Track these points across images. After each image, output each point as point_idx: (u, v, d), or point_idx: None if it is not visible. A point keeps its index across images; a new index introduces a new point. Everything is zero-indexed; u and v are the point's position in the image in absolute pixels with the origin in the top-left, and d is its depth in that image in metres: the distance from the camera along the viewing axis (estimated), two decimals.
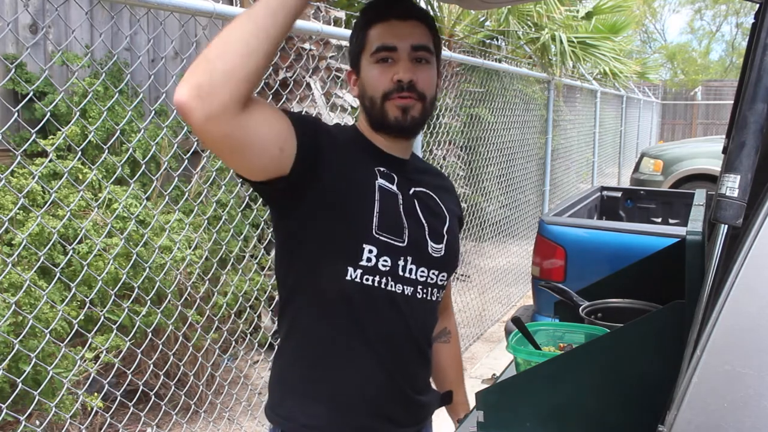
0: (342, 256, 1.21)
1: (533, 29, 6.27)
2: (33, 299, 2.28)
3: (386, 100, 1.24)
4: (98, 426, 2.74)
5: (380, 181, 1.26)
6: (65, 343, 2.24)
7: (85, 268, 2.25)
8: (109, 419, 2.43)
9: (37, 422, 2.40)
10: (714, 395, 0.86)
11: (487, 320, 5.02)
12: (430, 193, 1.36)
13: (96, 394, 2.49)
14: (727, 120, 1.98)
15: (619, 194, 4.59)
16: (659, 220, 4.50)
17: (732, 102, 1.89)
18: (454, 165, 5.63)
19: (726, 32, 33.68)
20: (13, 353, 2.10)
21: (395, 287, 1.25)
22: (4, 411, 1.82)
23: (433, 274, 1.31)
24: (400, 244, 1.24)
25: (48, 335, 2.08)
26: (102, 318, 2.29)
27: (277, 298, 1.16)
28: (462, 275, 5.48)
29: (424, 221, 1.30)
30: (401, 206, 1.27)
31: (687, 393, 0.87)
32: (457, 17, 6.08)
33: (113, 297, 2.33)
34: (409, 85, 1.23)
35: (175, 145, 2.56)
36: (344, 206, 1.21)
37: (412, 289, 1.27)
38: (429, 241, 1.30)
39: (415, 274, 1.27)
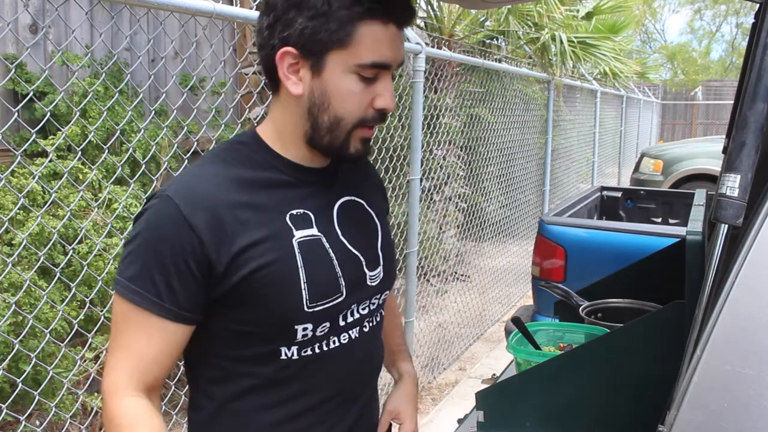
0: (272, 341, 1.01)
1: (533, 29, 6.27)
2: (33, 299, 2.28)
3: (356, 128, 1.00)
4: (98, 426, 2.74)
5: (297, 235, 1.00)
6: (65, 343, 2.24)
7: (85, 268, 2.25)
8: None
9: (37, 422, 2.40)
10: (714, 395, 0.86)
11: (487, 320, 5.02)
12: (357, 199, 1.14)
13: (96, 394, 2.49)
14: (727, 120, 1.98)
15: (619, 194, 4.59)
16: (659, 220, 4.50)
17: (732, 102, 1.89)
18: (454, 165, 5.63)
19: (726, 32, 33.73)
20: (13, 353, 2.10)
21: (340, 339, 1.07)
22: (4, 411, 1.82)
23: (375, 299, 1.13)
24: (338, 300, 1.04)
25: (48, 335, 2.08)
26: (102, 318, 2.29)
27: None
28: (462, 275, 5.48)
29: (357, 252, 1.08)
30: (329, 251, 1.04)
31: (687, 393, 0.87)
32: (457, 17, 6.08)
33: (112, 302, 2.33)
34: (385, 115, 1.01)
35: (175, 145, 2.56)
36: (265, 298, 0.98)
37: (357, 328, 1.09)
38: (366, 272, 1.10)
39: (358, 313, 1.09)
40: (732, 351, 0.86)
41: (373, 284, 1.12)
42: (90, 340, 2.26)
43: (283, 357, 1.02)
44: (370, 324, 1.14)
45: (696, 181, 7.69)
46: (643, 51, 28.56)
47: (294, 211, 1.02)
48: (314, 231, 1.03)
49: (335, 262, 1.04)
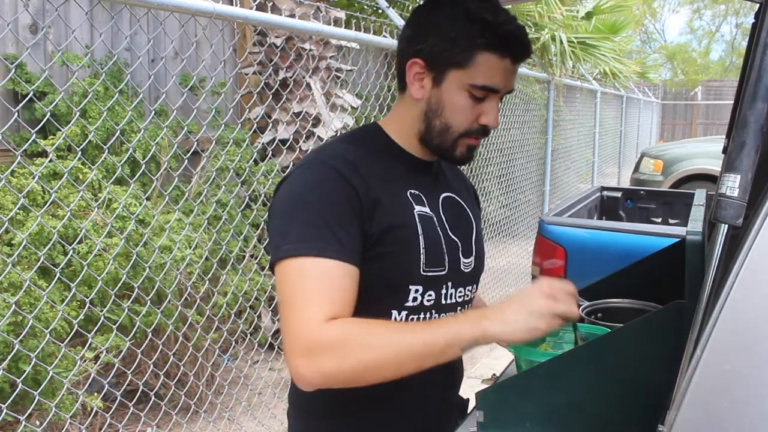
0: (386, 300, 1.13)
1: (533, 29, 6.27)
2: (33, 299, 2.28)
3: (462, 137, 1.15)
4: (98, 426, 2.74)
5: (417, 209, 1.16)
6: (65, 343, 2.24)
7: (85, 268, 2.25)
8: (109, 419, 2.43)
9: (37, 422, 2.40)
10: (714, 395, 0.86)
11: None
12: (455, 197, 1.28)
13: (96, 394, 2.49)
14: (727, 120, 1.98)
15: (619, 194, 4.59)
16: (659, 220, 4.50)
17: (732, 102, 1.89)
18: None
19: (726, 32, 33.69)
20: (13, 353, 2.10)
21: (440, 316, 1.19)
22: (4, 411, 1.82)
23: (468, 290, 1.26)
24: (442, 273, 1.17)
25: (48, 335, 2.08)
26: (102, 318, 2.29)
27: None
28: None
29: (456, 239, 1.22)
30: (438, 229, 1.19)
31: (687, 393, 0.86)
32: None
33: (113, 297, 2.33)
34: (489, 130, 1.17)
35: (175, 145, 2.56)
36: (392, 254, 1.11)
37: (452, 314, 1.20)
38: (462, 258, 1.23)
39: (455, 298, 1.21)
40: (732, 351, 0.86)
41: (466, 271, 1.24)
42: (90, 340, 2.26)
43: (393, 319, 1.13)
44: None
45: (696, 181, 7.69)
46: (643, 51, 28.57)
47: (412, 190, 1.18)
48: (428, 209, 1.18)
49: (442, 238, 1.18)
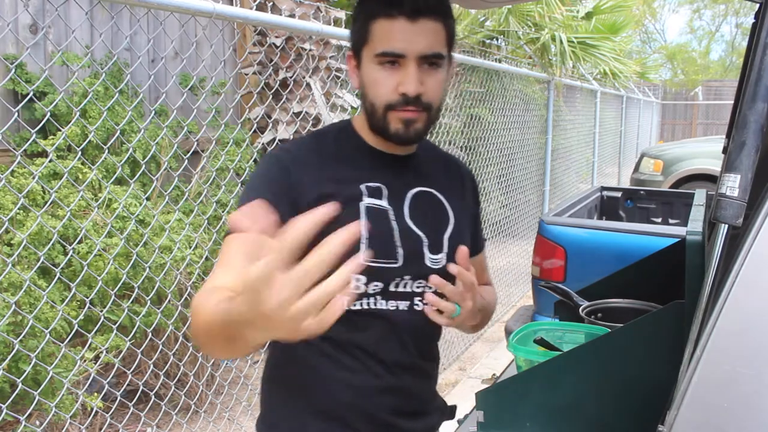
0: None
1: (533, 29, 6.27)
2: (33, 299, 2.28)
3: (389, 110, 1.15)
4: (98, 426, 2.74)
5: (367, 201, 1.17)
6: (65, 343, 2.24)
7: (85, 268, 2.25)
8: (109, 419, 2.43)
9: (37, 422, 2.40)
10: (714, 395, 0.86)
11: None
12: (434, 192, 1.27)
13: (96, 394, 2.49)
14: (727, 120, 1.98)
15: (619, 194, 4.59)
16: (659, 220, 4.50)
17: (732, 102, 1.89)
18: None
19: (726, 32, 33.71)
20: (13, 353, 2.10)
21: (387, 304, 1.18)
22: (4, 411, 1.82)
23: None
24: (393, 266, 1.17)
25: (48, 335, 2.08)
26: (102, 318, 2.29)
27: None
28: None
29: (420, 233, 1.21)
30: (393, 222, 1.18)
31: (687, 393, 0.87)
32: (457, 17, 6.06)
33: (113, 297, 2.33)
34: (416, 98, 1.13)
35: (175, 145, 2.56)
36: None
37: (407, 302, 1.20)
38: (427, 253, 1.21)
39: (411, 287, 1.20)
40: (732, 351, 0.86)
41: (434, 267, 1.21)
42: (90, 340, 2.26)
43: None
44: (425, 305, 1.16)
45: (696, 181, 7.68)
46: (643, 51, 28.57)
47: (370, 183, 1.19)
48: (383, 203, 1.19)
49: (396, 233, 1.18)
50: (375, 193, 1.19)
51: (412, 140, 1.18)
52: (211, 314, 0.88)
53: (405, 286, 1.19)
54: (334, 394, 1.19)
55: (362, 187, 1.18)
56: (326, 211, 0.69)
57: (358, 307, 1.16)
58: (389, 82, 1.13)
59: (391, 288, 1.18)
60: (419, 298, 1.21)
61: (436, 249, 1.22)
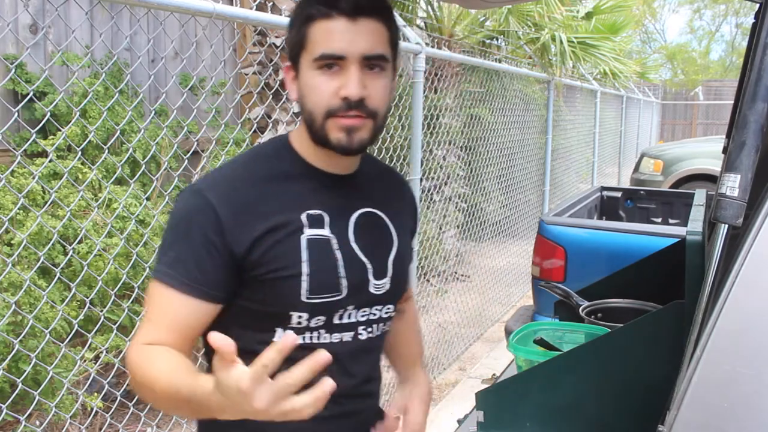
0: (269, 320, 1.10)
1: (533, 29, 6.27)
2: (33, 299, 2.28)
3: (329, 117, 1.06)
4: (98, 426, 2.74)
5: (307, 233, 1.09)
6: (65, 343, 2.24)
7: (85, 268, 2.25)
8: (109, 419, 2.43)
9: (37, 422, 2.40)
10: (714, 395, 0.86)
11: (487, 320, 5.02)
12: (378, 212, 1.19)
13: (96, 394, 2.49)
14: (727, 120, 1.98)
15: (619, 194, 4.59)
16: (659, 220, 4.50)
17: (732, 102, 1.89)
18: (454, 165, 5.63)
19: (726, 32, 33.71)
20: (13, 353, 2.10)
21: (331, 338, 1.12)
22: (4, 411, 1.82)
23: (377, 310, 1.17)
24: (337, 298, 1.11)
25: (48, 335, 2.08)
26: (102, 318, 2.29)
27: None
28: (462, 275, 5.48)
29: (365, 260, 1.14)
30: (337, 252, 1.11)
31: (687, 393, 0.87)
32: (457, 17, 6.08)
33: (113, 297, 2.33)
34: (358, 103, 1.04)
35: (175, 145, 2.56)
36: (270, 282, 1.07)
37: (352, 333, 1.14)
38: (371, 280, 1.15)
39: (356, 317, 1.15)
40: (732, 351, 0.86)
41: (377, 293, 1.16)
42: (90, 340, 2.26)
43: (277, 338, 1.09)
44: (368, 333, 1.17)
45: (696, 181, 7.68)
46: (643, 51, 28.57)
47: (311, 211, 1.11)
48: (326, 232, 1.11)
49: (340, 263, 1.11)
50: (316, 223, 1.11)
51: (355, 150, 1.09)
52: (166, 386, 0.96)
53: (349, 317, 1.14)
54: (276, 423, 1.14)
55: (303, 217, 1.10)
56: (294, 339, 0.80)
57: (300, 341, 1.08)
58: (329, 86, 1.05)
59: (335, 321, 1.12)
60: (363, 327, 1.16)
61: (380, 274, 1.17)
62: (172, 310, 1.06)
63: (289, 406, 0.81)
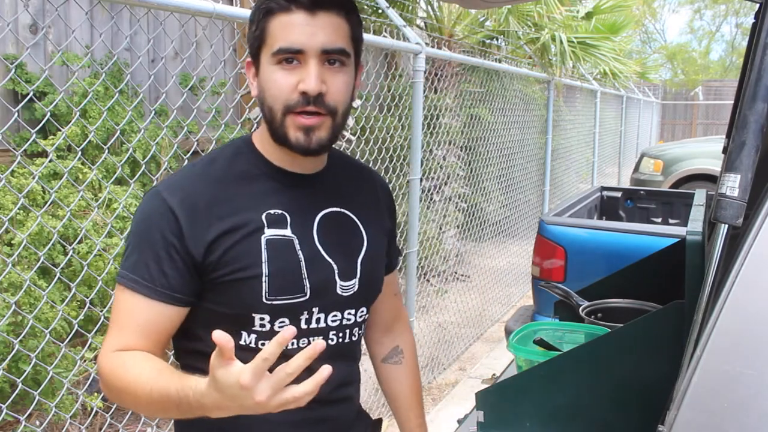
0: (232, 323, 1.07)
1: (533, 29, 6.27)
2: (33, 299, 2.28)
3: (287, 113, 1.04)
4: (98, 426, 2.74)
5: (267, 233, 1.07)
6: (65, 343, 2.24)
7: (85, 268, 2.25)
8: (109, 419, 2.43)
9: (37, 422, 2.40)
10: (714, 395, 0.86)
11: (487, 320, 5.02)
12: (346, 212, 1.17)
13: (96, 394, 2.49)
14: (727, 120, 1.98)
15: (619, 194, 4.59)
16: (659, 220, 4.50)
17: (732, 102, 1.89)
18: (454, 165, 5.63)
19: (726, 32, 33.71)
20: (13, 353, 2.10)
21: (298, 343, 1.08)
22: (4, 411, 1.82)
23: (349, 314, 1.15)
24: (301, 299, 1.08)
25: (48, 335, 2.08)
26: (102, 318, 2.29)
27: None
28: (462, 275, 5.48)
29: (330, 260, 1.12)
30: (299, 253, 1.09)
31: (687, 393, 0.87)
32: (457, 17, 6.08)
33: (113, 297, 2.33)
34: (317, 98, 1.03)
35: (175, 145, 2.56)
36: (229, 283, 1.06)
37: (320, 338, 1.09)
38: (338, 281, 1.12)
39: (325, 322, 1.12)
40: (732, 351, 0.86)
41: (345, 294, 1.14)
42: (90, 340, 2.26)
43: (243, 342, 1.09)
44: (340, 339, 1.15)
45: (696, 181, 7.69)
46: (643, 51, 28.57)
47: (271, 211, 1.09)
48: (287, 232, 1.09)
49: (303, 263, 1.09)
50: (277, 223, 1.08)
51: (314, 151, 1.06)
52: (150, 389, 0.95)
53: (318, 322, 1.11)
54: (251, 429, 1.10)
55: (262, 217, 1.08)
56: (293, 332, 0.81)
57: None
58: (288, 81, 1.03)
59: (303, 325, 1.09)
60: (334, 332, 1.13)
61: (347, 275, 1.14)
62: (138, 315, 1.05)
63: (289, 396, 0.82)
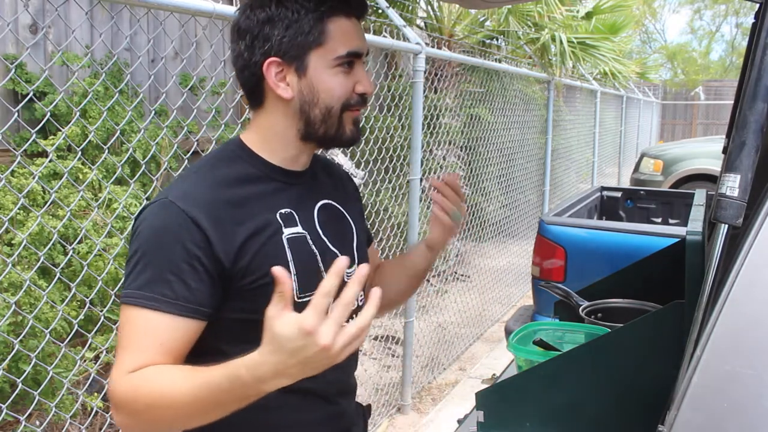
0: (261, 331, 1.05)
1: (533, 29, 6.27)
2: (33, 299, 2.28)
3: (344, 111, 1.09)
4: (98, 426, 2.74)
5: (286, 232, 1.08)
6: (65, 343, 2.24)
7: (85, 268, 2.25)
8: (109, 419, 2.43)
9: (37, 422, 2.40)
10: (714, 395, 0.86)
11: (487, 320, 5.02)
12: (333, 203, 1.21)
13: (96, 394, 2.49)
14: (727, 120, 1.98)
15: (619, 194, 4.59)
16: (659, 220, 4.50)
17: (732, 102, 1.89)
18: (454, 165, 5.63)
19: (726, 32, 33.71)
20: (13, 353, 2.10)
21: None
22: (4, 411, 1.82)
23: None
24: None
25: (48, 335, 2.08)
26: (102, 318, 2.29)
27: None
28: (462, 275, 5.48)
29: (336, 251, 1.15)
30: (312, 246, 1.12)
31: (687, 393, 0.87)
32: (457, 17, 6.08)
33: (113, 297, 2.33)
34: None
35: (175, 145, 2.56)
36: (261, 288, 1.03)
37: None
38: (345, 270, 1.18)
39: None
40: (732, 351, 0.86)
41: (347, 280, 1.14)
42: (90, 340, 2.26)
43: None
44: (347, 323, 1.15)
45: (696, 181, 7.69)
46: (643, 51, 28.57)
47: (282, 210, 1.10)
48: (299, 229, 1.12)
49: (318, 258, 1.12)
50: (289, 221, 1.10)
51: (359, 140, 1.15)
52: (192, 390, 0.89)
53: (330, 311, 1.12)
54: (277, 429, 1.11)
55: (278, 216, 1.09)
56: (347, 260, 0.84)
57: None
58: (349, 83, 1.09)
59: None
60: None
61: (349, 263, 1.15)
62: (161, 334, 0.99)
63: (354, 329, 0.82)
